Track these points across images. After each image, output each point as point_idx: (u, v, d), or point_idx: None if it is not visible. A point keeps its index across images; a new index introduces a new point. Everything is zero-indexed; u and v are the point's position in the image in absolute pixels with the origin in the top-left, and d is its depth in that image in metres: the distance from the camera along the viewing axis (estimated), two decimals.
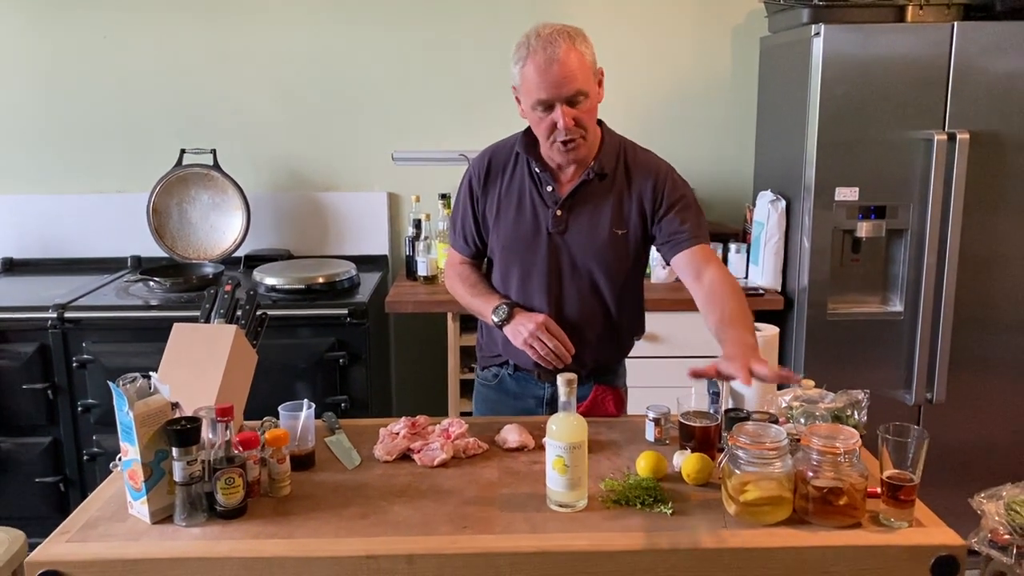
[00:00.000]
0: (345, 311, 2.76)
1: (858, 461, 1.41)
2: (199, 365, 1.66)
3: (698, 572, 1.36)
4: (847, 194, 2.71)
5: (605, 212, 1.86)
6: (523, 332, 1.84)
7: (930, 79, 2.64)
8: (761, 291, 2.92)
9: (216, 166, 3.22)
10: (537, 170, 1.88)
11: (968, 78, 2.63)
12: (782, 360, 2.87)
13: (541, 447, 1.64)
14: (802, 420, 1.61)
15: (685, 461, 1.57)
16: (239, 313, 1.77)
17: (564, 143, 1.77)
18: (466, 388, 2.86)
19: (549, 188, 1.87)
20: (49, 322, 2.73)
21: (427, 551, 1.36)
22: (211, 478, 1.44)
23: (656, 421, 1.75)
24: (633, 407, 2.05)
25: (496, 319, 1.89)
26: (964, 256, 2.72)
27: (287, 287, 2.88)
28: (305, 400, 1.67)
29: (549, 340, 1.83)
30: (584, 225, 1.87)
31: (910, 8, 2.69)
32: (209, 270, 3.13)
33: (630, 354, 2.06)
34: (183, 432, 1.41)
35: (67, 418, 2.80)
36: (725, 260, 3.10)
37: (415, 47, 3.31)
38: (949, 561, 1.35)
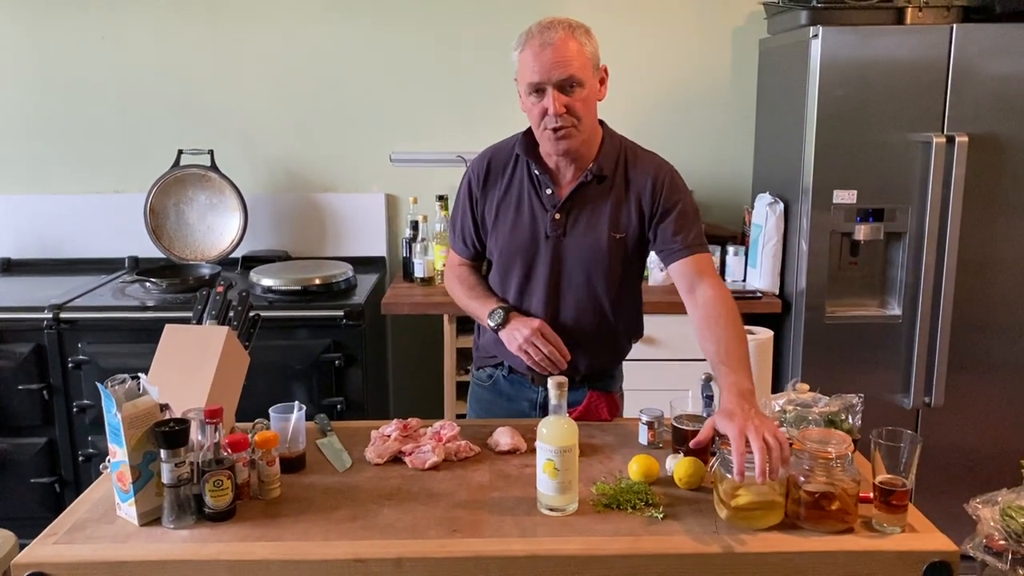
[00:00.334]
0: (341, 313, 2.75)
1: (850, 466, 1.40)
2: (190, 366, 1.65)
3: None
4: (845, 197, 2.70)
5: (603, 215, 1.85)
6: (518, 338, 1.83)
7: (929, 81, 2.63)
8: (759, 294, 2.91)
9: (214, 167, 3.22)
10: (536, 172, 1.87)
11: (967, 80, 2.62)
12: (779, 364, 2.86)
13: (533, 450, 1.62)
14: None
15: (677, 465, 1.56)
16: (231, 314, 1.76)
17: (554, 130, 1.74)
18: (462, 390, 2.85)
19: (548, 191, 1.86)
20: (45, 322, 2.73)
21: (416, 555, 1.35)
22: (200, 480, 1.44)
23: (649, 425, 1.74)
24: (628, 410, 2.04)
25: (492, 323, 1.89)
26: (963, 259, 2.70)
27: (283, 288, 2.88)
28: (296, 402, 1.66)
29: (544, 346, 1.82)
30: (582, 228, 1.86)
31: (909, 10, 2.67)
32: (206, 271, 3.13)
33: (626, 357, 2.05)
34: (171, 434, 1.40)
35: (62, 419, 2.80)
36: (723, 263, 3.09)
37: (413, 48, 3.31)
38: (942, 567, 1.34)
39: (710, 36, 3.31)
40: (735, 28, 3.30)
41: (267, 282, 2.89)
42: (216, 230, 3.27)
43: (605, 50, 1.81)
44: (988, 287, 2.76)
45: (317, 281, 2.91)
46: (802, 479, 1.40)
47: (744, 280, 3.06)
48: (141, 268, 3.18)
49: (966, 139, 2.62)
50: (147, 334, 2.61)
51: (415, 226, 3.13)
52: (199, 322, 1.76)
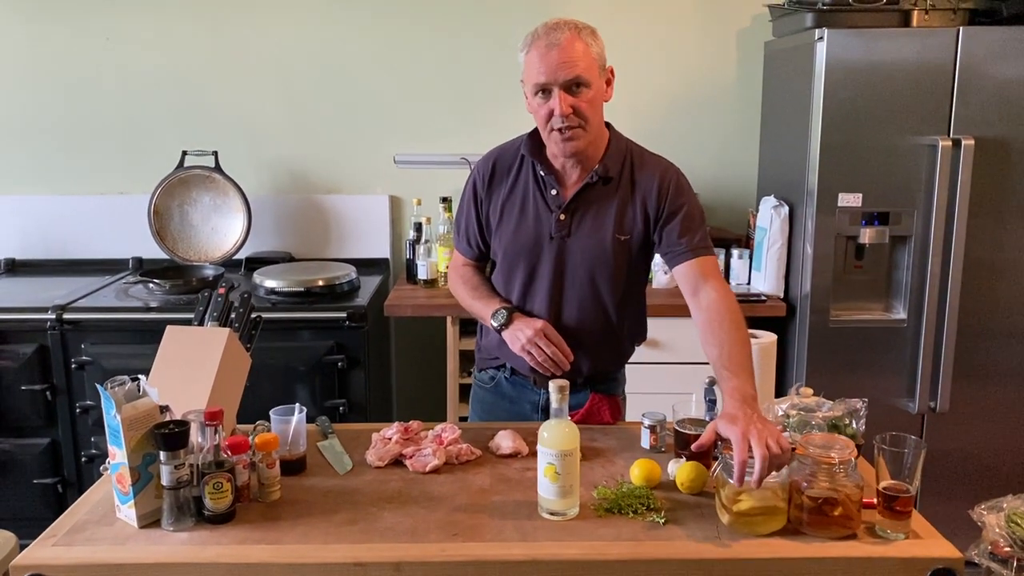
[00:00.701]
0: (344, 314, 2.75)
1: (854, 471, 1.39)
2: (191, 368, 1.65)
3: None
4: (850, 200, 2.69)
5: (609, 217, 1.84)
6: (521, 338, 1.83)
7: (935, 84, 2.62)
8: (763, 297, 2.90)
9: (218, 168, 3.22)
10: (542, 173, 1.86)
11: (973, 84, 2.61)
12: (783, 367, 2.85)
13: (534, 454, 1.61)
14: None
15: (679, 469, 1.55)
16: (233, 316, 1.76)
17: (560, 131, 1.74)
18: (465, 392, 2.84)
19: (553, 192, 1.86)
20: (48, 323, 2.73)
21: (416, 559, 1.34)
22: (199, 482, 1.43)
23: (652, 428, 1.73)
24: (630, 414, 2.03)
25: (495, 324, 1.88)
26: (968, 263, 2.69)
27: (287, 290, 2.88)
28: (297, 404, 1.66)
29: (547, 347, 1.81)
30: (587, 230, 1.85)
31: (915, 13, 2.66)
32: (209, 272, 3.12)
33: (629, 360, 2.04)
34: (171, 436, 1.40)
35: (65, 419, 2.80)
36: (727, 266, 3.08)
37: (418, 50, 3.30)
38: (946, 573, 1.33)
39: (715, 38, 3.30)
40: (740, 30, 3.29)
41: (270, 284, 2.89)
42: (220, 231, 3.28)
43: (610, 52, 1.81)
44: (994, 291, 2.74)
45: (320, 283, 2.91)
46: (805, 484, 1.39)
47: (748, 283, 3.05)
48: (145, 269, 3.18)
49: (972, 142, 2.60)
50: (151, 335, 2.58)
51: (419, 228, 3.13)
52: (201, 323, 1.76)
